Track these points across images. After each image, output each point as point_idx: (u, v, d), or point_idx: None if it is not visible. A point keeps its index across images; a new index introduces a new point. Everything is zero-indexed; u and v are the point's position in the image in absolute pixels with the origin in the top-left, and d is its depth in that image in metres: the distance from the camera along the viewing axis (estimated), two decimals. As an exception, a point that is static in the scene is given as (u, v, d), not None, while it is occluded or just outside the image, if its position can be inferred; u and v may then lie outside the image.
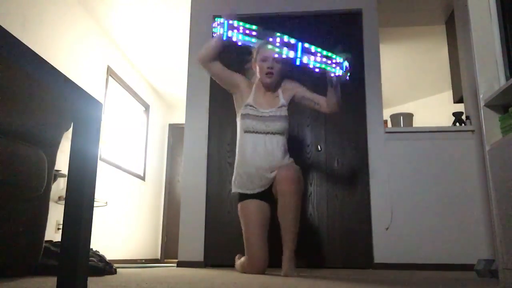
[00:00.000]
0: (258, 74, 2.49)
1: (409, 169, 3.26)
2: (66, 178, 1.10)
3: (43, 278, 1.64)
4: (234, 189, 2.46)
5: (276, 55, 2.39)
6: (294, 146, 3.38)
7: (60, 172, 3.59)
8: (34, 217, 1.66)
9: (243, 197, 2.43)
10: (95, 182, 0.94)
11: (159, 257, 6.55)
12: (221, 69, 2.49)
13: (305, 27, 3.62)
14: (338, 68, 2.28)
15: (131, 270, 2.62)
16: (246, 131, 2.40)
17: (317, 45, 2.36)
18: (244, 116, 2.42)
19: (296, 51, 2.27)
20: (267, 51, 2.41)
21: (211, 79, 3.56)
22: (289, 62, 2.37)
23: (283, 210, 2.25)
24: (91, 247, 1.34)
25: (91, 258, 2.00)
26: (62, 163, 3.09)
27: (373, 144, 3.31)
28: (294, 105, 3.07)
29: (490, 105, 1.86)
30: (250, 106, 2.43)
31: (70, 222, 0.88)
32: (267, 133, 2.38)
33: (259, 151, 2.36)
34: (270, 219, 2.40)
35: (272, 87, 2.50)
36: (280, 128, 2.41)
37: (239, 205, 2.45)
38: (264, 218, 2.38)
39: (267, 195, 2.39)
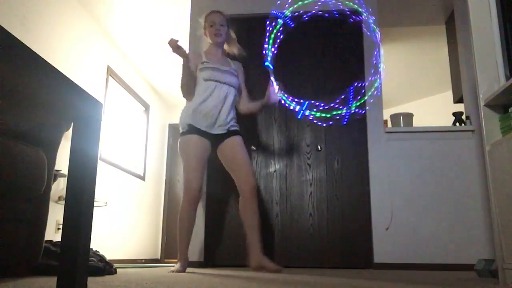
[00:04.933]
0: (209, 40, 2.82)
1: (409, 169, 3.26)
2: (66, 178, 1.10)
3: (43, 278, 1.64)
4: (187, 121, 2.65)
5: (221, 18, 2.78)
6: (294, 146, 3.38)
7: (60, 172, 3.59)
8: (34, 217, 1.66)
9: (186, 132, 2.64)
10: (95, 182, 0.94)
11: (159, 257, 6.55)
12: (192, 75, 2.71)
13: (305, 27, 3.62)
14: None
15: (131, 270, 2.62)
16: (206, 80, 2.68)
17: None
18: (203, 68, 2.70)
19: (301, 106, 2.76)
20: (212, 16, 2.80)
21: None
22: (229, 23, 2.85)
23: (251, 213, 2.62)
24: (91, 247, 1.34)
25: (91, 258, 2.00)
26: (62, 163, 3.09)
27: (373, 144, 3.31)
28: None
29: (490, 105, 1.86)
30: (206, 62, 2.73)
31: (70, 222, 0.88)
32: (224, 83, 2.69)
33: (216, 95, 2.65)
34: (208, 155, 2.69)
35: (220, 46, 2.84)
36: (235, 82, 2.75)
37: (180, 139, 2.67)
38: (203, 153, 2.65)
39: (209, 137, 2.66)
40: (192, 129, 2.62)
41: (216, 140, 2.69)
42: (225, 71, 2.73)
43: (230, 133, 2.69)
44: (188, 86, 2.67)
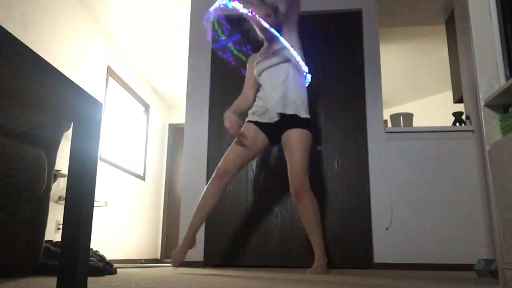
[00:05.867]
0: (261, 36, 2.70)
1: (409, 169, 3.26)
2: (66, 178, 1.11)
3: (43, 278, 1.64)
4: (247, 118, 2.63)
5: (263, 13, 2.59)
6: (294, 146, 3.38)
7: (60, 172, 3.59)
8: (34, 217, 1.66)
9: (248, 120, 2.62)
10: (95, 182, 0.94)
11: (159, 257, 6.56)
12: (252, 87, 2.70)
13: (305, 27, 3.62)
14: None
15: (131, 270, 2.62)
16: (259, 75, 2.62)
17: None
18: (255, 66, 2.65)
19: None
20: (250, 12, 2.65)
21: (211, 79, 3.56)
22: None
23: (302, 216, 2.51)
24: (91, 247, 1.34)
25: (91, 258, 2.00)
26: (62, 163, 3.09)
27: (373, 144, 3.31)
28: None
29: (490, 105, 1.86)
30: (259, 58, 2.67)
31: (70, 222, 0.88)
32: (272, 65, 2.56)
33: (272, 82, 2.54)
34: (258, 149, 2.59)
35: (273, 39, 2.65)
36: (282, 56, 2.55)
37: (244, 124, 2.60)
38: (252, 143, 2.54)
39: (271, 130, 2.56)
40: (252, 117, 2.59)
41: (280, 127, 2.53)
42: (273, 52, 2.58)
43: (296, 122, 2.49)
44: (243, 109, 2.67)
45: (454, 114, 3.59)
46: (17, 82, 0.74)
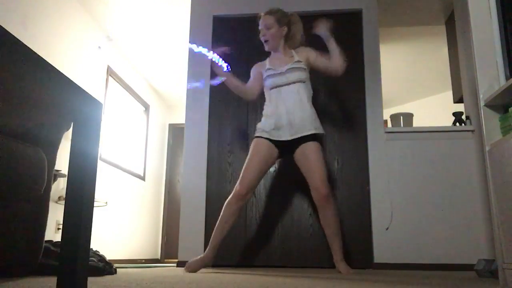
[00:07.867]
0: None
1: (409, 169, 3.26)
2: (66, 178, 1.10)
3: (43, 278, 1.64)
4: (258, 134, 2.64)
5: (267, 20, 2.66)
6: (294, 146, 3.38)
7: (60, 172, 3.59)
8: (34, 217, 1.66)
9: (259, 135, 2.64)
10: (95, 182, 0.94)
11: (159, 257, 6.56)
12: (257, 86, 2.74)
13: (305, 27, 3.61)
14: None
15: (131, 270, 2.62)
16: (271, 88, 2.65)
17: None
18: (267, 77, 2.67)
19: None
20: (260, 21, 2.71)
21: (211, 78, 3.56)
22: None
23: (326, 221, 2.55)
24: (91, 247, 1.34)
25: (91, 258, 2.00)
26: (62, 163, 3.10)
27: (373, 144, 3.31)
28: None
29: (490, 105, 1.86)
30: (269, 69, 2.68)
31: (70, 222, 0.88)
32: (288, 84, 2.61)
33: (282, 101, 2.60)
34: (272, 164, 2.65)
35: (276, 50, 2.73)
36: (299, 76, 2.62)
37: (254, 140, 2.64)
38: (268, 158, 2.59)
39: (282, 146, 2.61)
40: (265, 134, 2.61)
41: (291, 146, 2.60)
42: (287, 70, 2.62)
43: (306, 139, 2.56)
44: (243, 94, 2.71)
45: (454, 114, 3.59)
46: (17, 82, 0.74)
